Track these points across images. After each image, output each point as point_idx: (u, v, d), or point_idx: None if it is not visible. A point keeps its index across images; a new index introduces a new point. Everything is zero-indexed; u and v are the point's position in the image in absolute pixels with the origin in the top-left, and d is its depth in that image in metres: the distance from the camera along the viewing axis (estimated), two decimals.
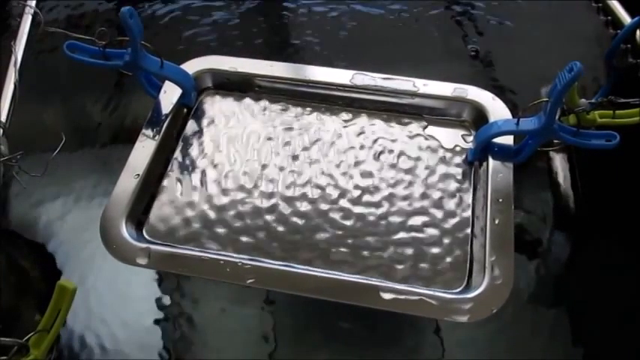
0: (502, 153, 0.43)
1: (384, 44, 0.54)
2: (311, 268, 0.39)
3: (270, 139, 0.47)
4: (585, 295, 0.39)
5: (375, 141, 0.46)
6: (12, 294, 0.39)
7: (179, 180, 0.44)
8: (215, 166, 0.45)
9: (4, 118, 0.43)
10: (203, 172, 0.45)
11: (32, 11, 0.51)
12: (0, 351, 0.32)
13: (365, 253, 0.40)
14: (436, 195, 0.43)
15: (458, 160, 0.45)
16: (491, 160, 0.43)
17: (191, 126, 0.48)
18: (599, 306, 0.39)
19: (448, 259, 0.40)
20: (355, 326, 0.37)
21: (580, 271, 0.40)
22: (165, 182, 0.44)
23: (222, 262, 0.39)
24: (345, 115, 0.48)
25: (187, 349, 0.37)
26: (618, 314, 0.38)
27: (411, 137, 0.47)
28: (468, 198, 0.43)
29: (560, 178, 0.44)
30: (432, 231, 0.41)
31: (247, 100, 0.49)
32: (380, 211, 0.42)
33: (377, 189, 0.43)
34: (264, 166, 0.45)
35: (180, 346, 0.37)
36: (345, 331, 0.37)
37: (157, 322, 0.38)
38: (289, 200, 0.43)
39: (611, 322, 0.38)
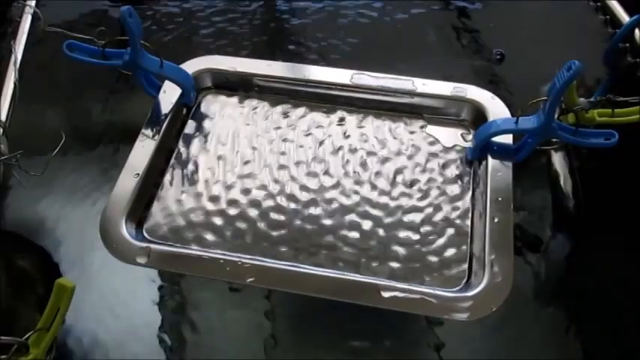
0: (501, 152, 0.43)
1: (383, 44, 0.54)
2: (311, 267, 0.39)
3: (269, 138, 0.47)
4: (584, 293, 0.39)
5: (375, 140, 0.46)
6: (11, 293, 0.39)
7: (179, 179, 0.44)
8: (214, 164, 0.45)
9: (4, 118, 0.43)
10: (203, 171, 0.45)
11: (32, 11, 0.52)
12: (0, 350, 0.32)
13: (365, 252, 0.40)
14: (435, 194, 0.43)
15: (457, 159, 0.45)
16: (490, 159, 0.43)
17: (191, 125, 0.48)
18: (598, 304, 0.39)
19: (448, 258, 0.40)
20: (355, 325, 0.37)
21: (579, 270, 0.40)
22: (165, 181, 0.44)
23: (222, 261, 0.39)
24: (344, 115, 0.48)
25: (187, 348, 0.37)
26: (617, 312, 0.38)
27: (411, 136, 0.47)
28: (468, 197, 0.43)
29: (560, 177, 0.44)
30: (431, 230, 0.41)
31: (246, 100, 0.49)
32: (380, 210, 0.42)
33: (376, 188, 0.43)
34: (263, 165, 0.45)
35: (179, 345, 0.37)
36: (344, 331, 0.37)
37: (156, 321, 0.38)
38: (289, 199, 0.43)
39: (610, 320, 0.38)
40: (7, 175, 0.42)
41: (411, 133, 0.47)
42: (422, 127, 0.47)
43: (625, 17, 0.52)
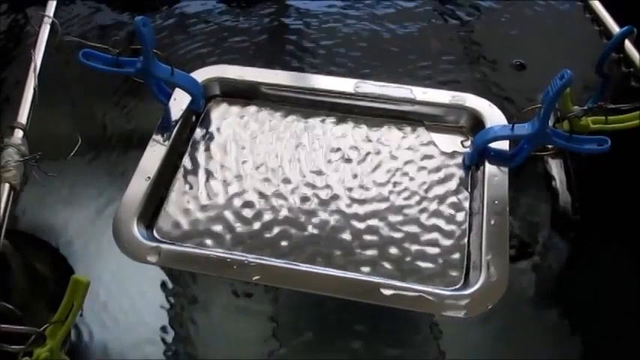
0: (498, 157, 0.45)
1: (386, 54, 0.55)
2: (314, 267, 0.41)
3: (274, 144, 0.48)
4: (578, 293, 0.40)
5: (377, 146, 0.48)
6: (27, 290, 0.40)
7: (188, 183, 0.46)
8: (222, 169, 0.47)
9: (24, 121, 0.45)
10: (211, 176, 0.46)
11: (50, 21, 0.53)
12: (18, 340, 0.33)
13: (367, 252, 0.42)
14: (435, 197, 0.44)
15: (456, 164, 0.46)
16: (487, 164, 0.44)
17: (200, 131, 0.49)
18: (592, 304, 0.40)
19: (446, 258, 0.41)
20: (355, 322, 0.38)
21: (573, 271, 0.41)
22: (174, 185, 0.46)
23: (228, 260, 0.40)
24: (348, 122, 0.50)
25: (194, 345, 0.38)
26: (611, 312, 0.39)
27: (411, 143, 0.48)
28: (466, 200, 0.44)
29: (555, 182, 0.45)
30: (431, 231, 0.43)
31: (253, 107, 0.51)
32: (381, 213, 0.44)
33: (378, 192, 0.45)
34: (269, 170, 0.46)
35: (188, 343, 0.38)
36: (345, 327, 0.38)
37: (164, 317, 0.39)
38: (293, 202, 0.44)
39: (604, 319, 0.39)
40: (26, 175, 0.43)
41: (412, 139, 0.48)
42: (422, 133, 0.49)
43: (615, 28, 0.54)
